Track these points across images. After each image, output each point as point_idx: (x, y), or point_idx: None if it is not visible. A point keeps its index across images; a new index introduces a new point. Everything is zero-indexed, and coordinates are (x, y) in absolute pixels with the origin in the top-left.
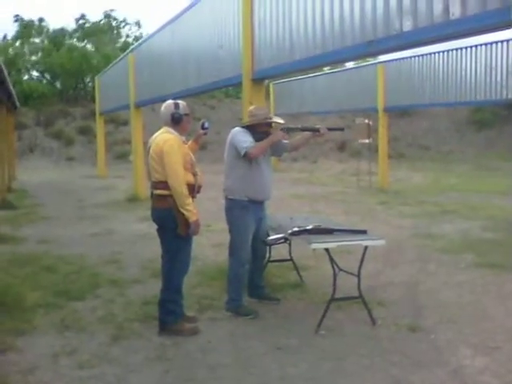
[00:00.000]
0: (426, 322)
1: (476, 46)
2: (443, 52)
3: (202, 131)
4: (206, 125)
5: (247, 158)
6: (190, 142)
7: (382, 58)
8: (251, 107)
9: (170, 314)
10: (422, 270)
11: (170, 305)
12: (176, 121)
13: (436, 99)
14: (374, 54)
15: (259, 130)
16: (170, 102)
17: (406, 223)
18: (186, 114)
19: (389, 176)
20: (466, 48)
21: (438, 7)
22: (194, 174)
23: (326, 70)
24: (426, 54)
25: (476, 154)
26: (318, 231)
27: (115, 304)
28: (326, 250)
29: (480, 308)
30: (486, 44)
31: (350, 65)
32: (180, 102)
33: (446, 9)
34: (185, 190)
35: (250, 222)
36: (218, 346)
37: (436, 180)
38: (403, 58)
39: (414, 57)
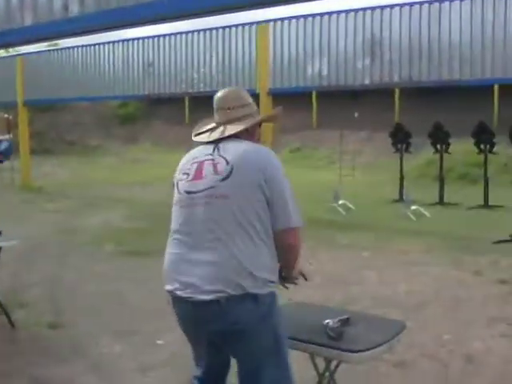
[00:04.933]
0: (66, 318)
1: (113, 42)
2: (81, 47)
3: None
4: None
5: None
6: None
7: (23, 49)
8: (233, 88)
9: None
10: (64, 265)
11: None
12: None
13: (78, 93)
14: None
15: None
16: None
17: (50, 219)
18: None
19: (33, 172)
20: (103, 44)
21: (57, 3)
22: None
23: None
24: (65, 48)
25: (121, 147)
26: None
27: None
28: None
29: (119, 295)
30: (122, 41)
31: None
32: None
33: (66, 5)
34: None
35: None
36: None
37: (82, 174)
38: (42, 52)
39: (53, 50)
